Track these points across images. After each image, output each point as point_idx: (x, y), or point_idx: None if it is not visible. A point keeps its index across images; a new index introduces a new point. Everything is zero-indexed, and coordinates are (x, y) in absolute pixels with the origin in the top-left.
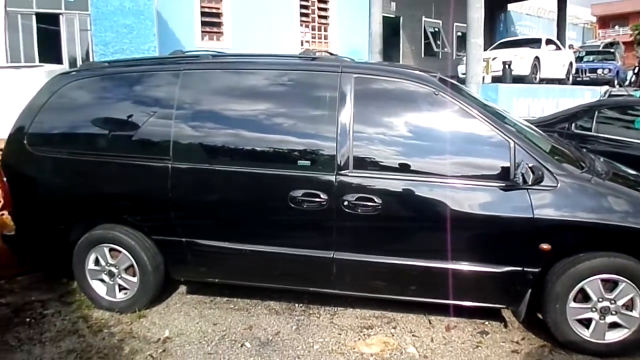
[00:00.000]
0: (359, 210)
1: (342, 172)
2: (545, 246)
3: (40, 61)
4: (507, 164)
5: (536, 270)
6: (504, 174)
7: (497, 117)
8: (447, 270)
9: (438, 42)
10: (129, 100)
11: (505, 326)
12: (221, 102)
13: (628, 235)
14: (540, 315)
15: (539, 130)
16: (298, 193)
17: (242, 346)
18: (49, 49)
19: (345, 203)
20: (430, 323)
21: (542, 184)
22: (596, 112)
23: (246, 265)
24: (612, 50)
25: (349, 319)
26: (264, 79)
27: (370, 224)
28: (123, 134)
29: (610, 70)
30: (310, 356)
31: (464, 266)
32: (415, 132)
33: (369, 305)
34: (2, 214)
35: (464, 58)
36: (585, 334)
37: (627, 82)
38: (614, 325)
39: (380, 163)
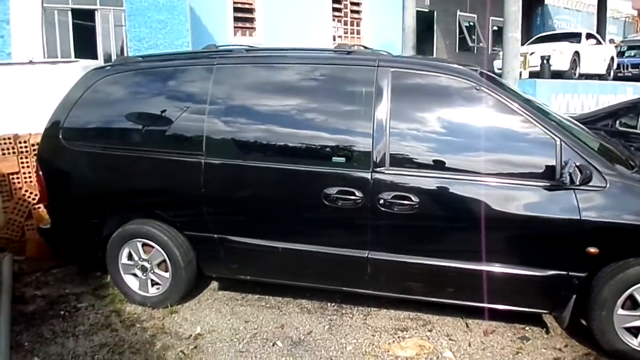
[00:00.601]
0: (395, 209)
1: (378, 169)
2: (592, 250)
3: (75, 57)
4: (552, 163)
5: (582, 274)
6: (550, 173)
7: (541, 113)
8: (486, 272)
9: (473, 36)
10: (162, 95)
11: (547, 332)
12: (254, 97)
13: None
14: (584, 322)
15: (584, 127)
16: (332, 190)
17: (273, 345)
18: (85, 45)
19: (381, 201)
20: (467, 327)
21: (590, 184)
22: None
23: (278, 263)
24: None
25: (382, 320)
26: (298, 74)
27: (407, 223)
28: (156, 129)
29: None
30: (343, 357)
31: (505, 269)
32: (454, 129)
33: (404, 307)
34: (39, 207)
35: (500, 53)
36: (634, 343)
37: None
38: None
39: (418, 160)
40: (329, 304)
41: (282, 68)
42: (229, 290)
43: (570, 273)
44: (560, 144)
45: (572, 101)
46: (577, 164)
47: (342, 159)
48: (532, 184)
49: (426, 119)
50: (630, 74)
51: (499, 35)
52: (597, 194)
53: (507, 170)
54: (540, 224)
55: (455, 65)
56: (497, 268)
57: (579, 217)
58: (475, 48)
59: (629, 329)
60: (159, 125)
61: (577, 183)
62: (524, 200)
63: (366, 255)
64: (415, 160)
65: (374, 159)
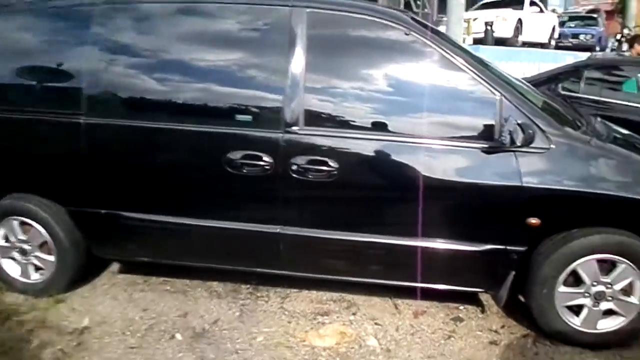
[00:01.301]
0: (311, 177)
1: (291, 129)
2: (533, 221)
3: None
4: (491, 121)
5: (522, 249)
6: (488, 133)
7: (479, 64)
8: (416, 248)
9: (418, 2)
10: (30, 41)
11: (483, 311)
12: (141, 43)
13: (633, 209)
14: (522, 298)
15: (528, 84)
16: (236, 155)
17: (172, 338)
18: None
19: (294, 167)
20: (396, 308)
21: (533, 145)
22: (583, 73)
23: (178, 243)
24: (595, 15)
25: (302, 304)
26: (196, 14)
27: (324, 194)
28: (24, 84)
29: (593, 36)
30: (251, 351)
31: (437, 244)
32: (380, 81)
33: (327, 287)
34: None
35: (445, 19)
36: (575, 322)
37: (608, 50)
38: (608, 313)
39: (337, 119)
40: (242, 287)
41: (178, 7)
42: (130, 273)
43: (508, 247)
44: (500, 100)
45: (515, 68)
46: (519, 122)
47: (248, 117)
48: (467, 146)
49: (347, 70)
50: (570, 44)
51: (443, 2)
52: (541, 157)
53: (439, 130)
54: (476, 192)
55: (385, 8)
56: (427, 243)
57: (519, 184)
58: (420, 14)
59: (570, 308)
60: (28, 79)
61: (518, 144)
62: (457, 165)
63: (278, 231)
64: (334, 118)
65: (286, 117)
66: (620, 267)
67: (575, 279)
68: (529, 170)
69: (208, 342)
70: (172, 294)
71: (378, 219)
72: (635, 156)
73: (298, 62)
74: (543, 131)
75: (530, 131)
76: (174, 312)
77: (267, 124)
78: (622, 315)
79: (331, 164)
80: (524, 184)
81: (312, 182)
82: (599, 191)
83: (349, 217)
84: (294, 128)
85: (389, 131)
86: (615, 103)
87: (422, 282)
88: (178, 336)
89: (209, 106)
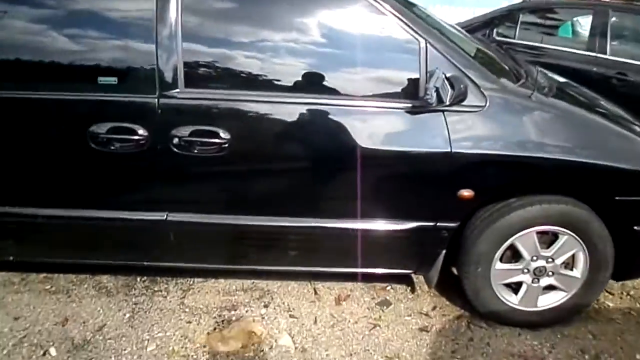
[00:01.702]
0: (196, 151)
1: (168, 93)
2: (466, 193)
3: None
4: (415, 74)
5: (453, 224)
6: (411, 90)
7: (403, 7)
8: (330, 230)
9: None
10: None
11: (413, 290)
12: None
13: (580, 174)
14: (455, 271)
15: (461, 29)
16: (101, 128)
17: (44, 355)
18: None
19: (175, 141)
20: (316, 294)
21: (465, 103)
22: (518, 17)
23: (46, 237)
24: None
25: (206, 297)
26: None
27: (215, 171)
28: None
29: None
30: None
31: (357, 224)
32: (280, 29)
33: (237, 274)
34: None
35: None
36: (513, 301)
37: None
38: (548, 288)
39: (227, 78)
40: (138, 280)
41: None
42: (5, 270)
43: (438, 224)
44: (426, 47)
45: (448, 13)
46: (447, 75)
47: (112, 80)
48: (388, 106)
49: (239, 13)
50: None
51: None
52: (474, 117)
53: (355, 87)
54: (398, 162)
55: None
56: (346, 224)
57: (449, 150)
58: None
59: (508, 285)
60: None
61: (447, 102)
62: (377, 131)
63: (164, 217)
64: (223, 77)
65: (161, 77)
66: (563, 239)
67: (513, 254)
68: (459, 133)
69: (88, 356)
70: (52, 294)
71: (283, 199)
72: (581, 112)
73: (171, 7)
74: (477, 85)
75: (462, 86)
76: (52, 319)
77: (137, 87)
78: (564, 291)
79: (222, 134)
80: (454, 150)
81: (200, 158)
82: (541, 155)
83: (249, 198)
84: (172, 91)
85: (294, 91)
86: (551, 49)
87: (342, 267)
88: (52, 351)
89: (65, 66)
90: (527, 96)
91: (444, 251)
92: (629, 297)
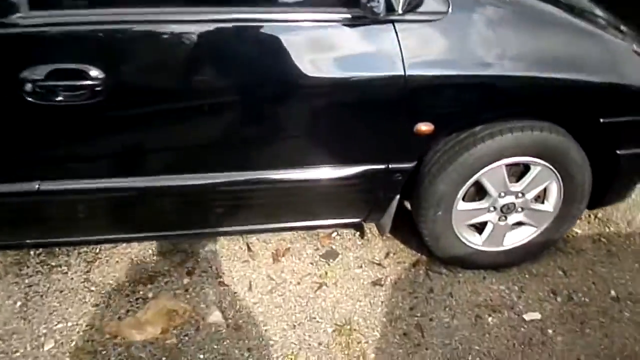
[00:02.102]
0: (60, 100)
1: (8, 19)
2: (424, 127)
3: None
4: None
5: (408, 165)
6: None
7: None
8: (261, 183)
9: None
10: None
11: (362, 235)
12: None
13: (561, 93)
14: (409, 206)
15: None
16: None
17: None
18: None
19: (28, 87)
20: (250, 251)
21: (421, 9)
22: None
23: None
24: None
25: (116, 268)
26: None
27: (90, 124)
28: None
29: None
30: None
31: (290, 174)
32: None
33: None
34: None
35: None
36: (477, 242)
37: None
38: (516, 225)
39: None
40: (31, 254)
41: None
42: None
43: (391, 166)
44: None
45: None
46: None
47: None
48: (323, 18)
49: None
50: None
51: None
52: (434, 27)
53: None
54: (337, 92)
55: None
56: (276, 174)
57: (401, 73)
58: None
59: (471, 226)
60: None
61: (399, 10)
62: (306, 52)
63: (37, 187)
64: None
65: None
66: (535, 171)
67: (477, 191)
68: (415, 50)
69: None
70: None
71: (192, 151)
72: (567, 16)
73: None
74: None
75: None
76: None
77: None
78: (534, 226)
79: (92, 72)
80: (409, 73)
81: (65, 108)
82: (515, 73)
83: (146, 153)
84: (14, 17)
85: (189, 4)
86: None
87: (280, 222)
88: None
89: None
90: None
91: (397, 196)
92: (597, 220)
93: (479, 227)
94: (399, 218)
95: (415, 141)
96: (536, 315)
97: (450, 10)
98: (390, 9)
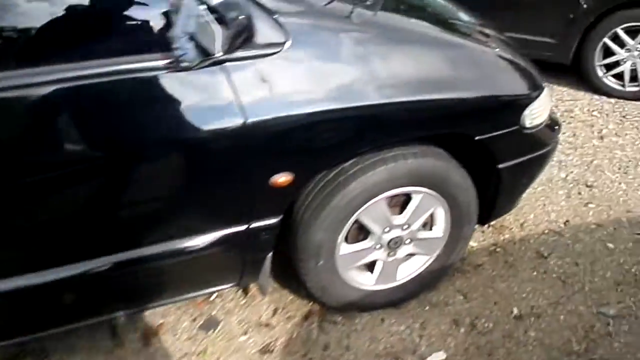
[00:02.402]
0: None
1: None
2: (282, 179)
3: None
4: (162, 6)
5: (274, 221)
6: (162, 38)
7: None
8: (103, 270)
9: None
10: None
11: (246, 293)
12: None
13: (430, 116)
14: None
15: None
16: None
17: None
18: None
19: None
20: (114, 336)
21: (254, 44)
22: None
23: None
24: None
25: None
26: None
27: None
28: None
29: None
30: None
31: (137, 253)
32: None
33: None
34: None
35: None
36: (369, 282)
37: None
38: (408, 256)
39: None
40: None
41: None
42: None
43: (252, 226)
44: None
45: None
46: (213, 3)
47: None
48: (134, 68)
49: None
50: None
51: None
52: (271, 64)
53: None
54: (171, 152)
55: None
56: (122, 256)
57: (242, 121)
58: None
59: (360, 268)
60: None
61: (218, 53)
62: (127, 112)
63: None
64: None
65: None
66: (417, 199)
67: (360, 230)
68: (253, 92)
69: None
70: None
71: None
72: (426, 31)
73: None
74: (268, 12)
75: (240, 19)
76: None
77: None
78: (426, 255)
79: None
80: (250, 120)
81: None
82: (378, 101)
83: None
84: None
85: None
86: None
87: (145, 303)
88: None
89: None
90: (346, 16)
91: (270, 253)
92: (490, 228)
93: (369, 265)
94: (285, 265)
95: (276, 194)
96: (441, 356)
97: (289, 40)
98: (205, 53)
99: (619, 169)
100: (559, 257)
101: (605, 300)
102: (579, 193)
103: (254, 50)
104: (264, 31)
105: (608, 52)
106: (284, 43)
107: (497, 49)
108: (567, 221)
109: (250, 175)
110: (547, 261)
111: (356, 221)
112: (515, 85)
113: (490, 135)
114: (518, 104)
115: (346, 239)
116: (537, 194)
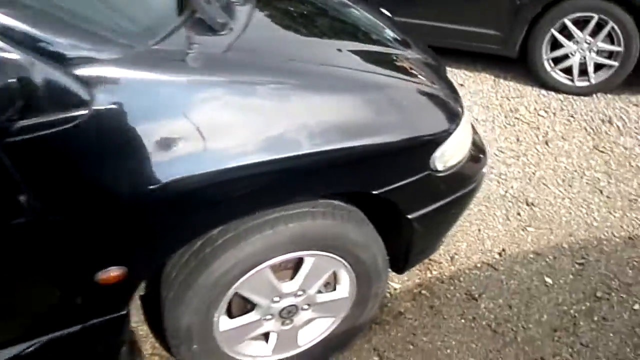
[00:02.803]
0: None
1: None
2: (108, 275)
3: None
4: None
5: (119, 314)
6: None
7: None
8: None
9: None
10: None
11: None
12: None
13: (319, 172)
14: None
15: None
16: None
17: None
18: None
19: None
20: None
21: (44, 113)
22: None
23: None
24: None
25: None
26: None
27: None
28: None
29: None
30: None
31: None
32: None
33: None
34: None
35: None
36: (266, 352)
37: None
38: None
39: None
40: None
41: None
42: None
43: (89, 323)
44: None
45: None
46: None
47: None
48: None
49: None
50: None
51: None
52: (77, 134)
53: None
54: None
55: None
56: None
57: (31, 216)
58: None
59: (253, 338)
60: None
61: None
62: None
63: None
64: None
65: None
66: (309, 263)
67: (242, 304)
68: (42, 176)
69: None
70: None
71: None
72: (324, 54)
73: None
74: (68, 74)
75: (11, 87)
76: None
77: None
78: (331, 317)
79: None
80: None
81: None
82: (253, 160)
83: None
84: None
85: None
86: None
87: None
88: None
89: None
90: (182, 59)
91: (124, 347)
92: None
93: (265, 338)
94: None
95: (108, 290)
96: None
97: (94, 105)
98: None
99: (564, 181)
100: (490, 299)
101: (539, 354)
102: (519, 214)
103: (47, 119)
104: (64, 101)
105: (556, 44)
106: (88, 109)
107: (412, 80)
108: (503, 250)
109: (60, 272)
110: (477, 304)
111: (236, 295)
112: (425, 124)
113: (391, 187)
114: (424, 147)
115: (229, 312)
116: (473, 216)
